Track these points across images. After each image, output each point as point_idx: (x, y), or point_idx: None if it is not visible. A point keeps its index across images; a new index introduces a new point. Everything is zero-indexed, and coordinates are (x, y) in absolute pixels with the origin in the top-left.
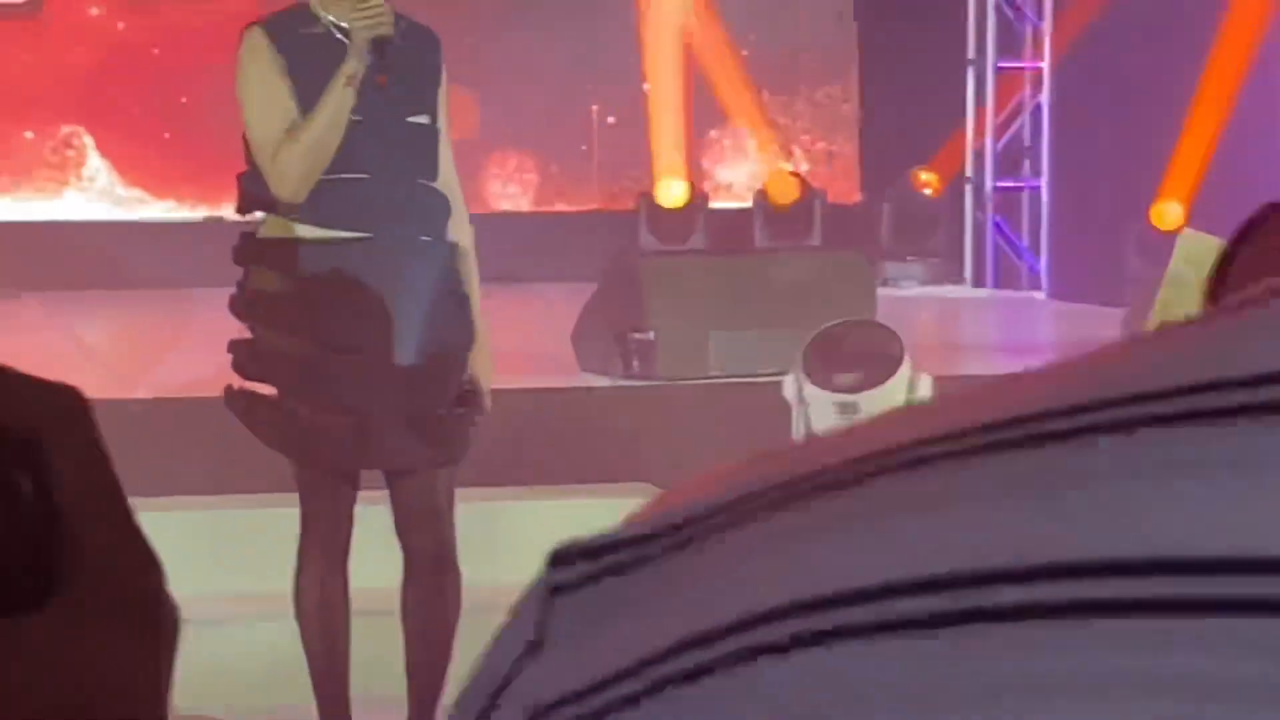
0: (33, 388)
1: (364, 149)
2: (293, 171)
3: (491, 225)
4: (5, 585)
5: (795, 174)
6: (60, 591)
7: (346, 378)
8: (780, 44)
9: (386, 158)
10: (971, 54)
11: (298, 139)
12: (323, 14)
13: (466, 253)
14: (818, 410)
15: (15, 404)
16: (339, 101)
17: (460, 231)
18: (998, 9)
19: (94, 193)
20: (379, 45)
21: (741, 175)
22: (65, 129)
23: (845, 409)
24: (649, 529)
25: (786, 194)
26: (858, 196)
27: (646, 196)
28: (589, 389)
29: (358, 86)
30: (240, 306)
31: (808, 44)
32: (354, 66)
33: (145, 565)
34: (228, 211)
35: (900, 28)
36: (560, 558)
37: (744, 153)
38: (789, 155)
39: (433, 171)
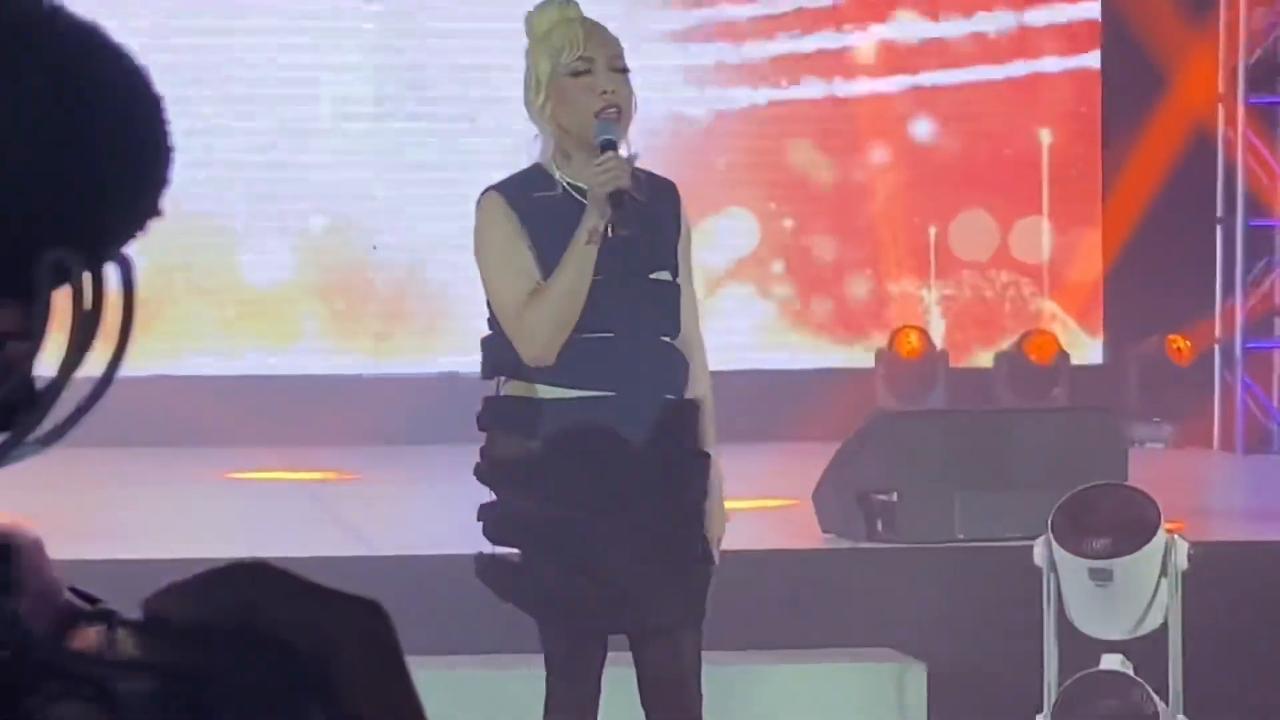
0: (325, 601)
1: (607, 307)
2: (540, 333)
3: (725, 383)
4: None
5: (1048, 333)
6: None
7: (594, 538)
8: (1024, 198)
9: (630, 315)
10: (1220, 212)
11: (543, 300)
12: (557, 174)
13: (707, 408)
14: (1069, 577)
15: (304, 619)
16: (581, 259)
17: (700, 387)
18: (1247, 166)
19: (325, 346)
20: (618, 199)
21: (984, 331)
22: (288, 284)
23: (1098, 576)
24: None
25: (1043, 353)
26: (1101, 356)
27: (884, 351)
28: (831, 551)
29: (599, 242)
30: (485, 473)
31: (1054, 198)
32: (594, 221)
33: None
34: (462, 367)
35: (1147, 185)
36: None
37: (985, 306)
38: (1035, 315)
39: (675, 328)
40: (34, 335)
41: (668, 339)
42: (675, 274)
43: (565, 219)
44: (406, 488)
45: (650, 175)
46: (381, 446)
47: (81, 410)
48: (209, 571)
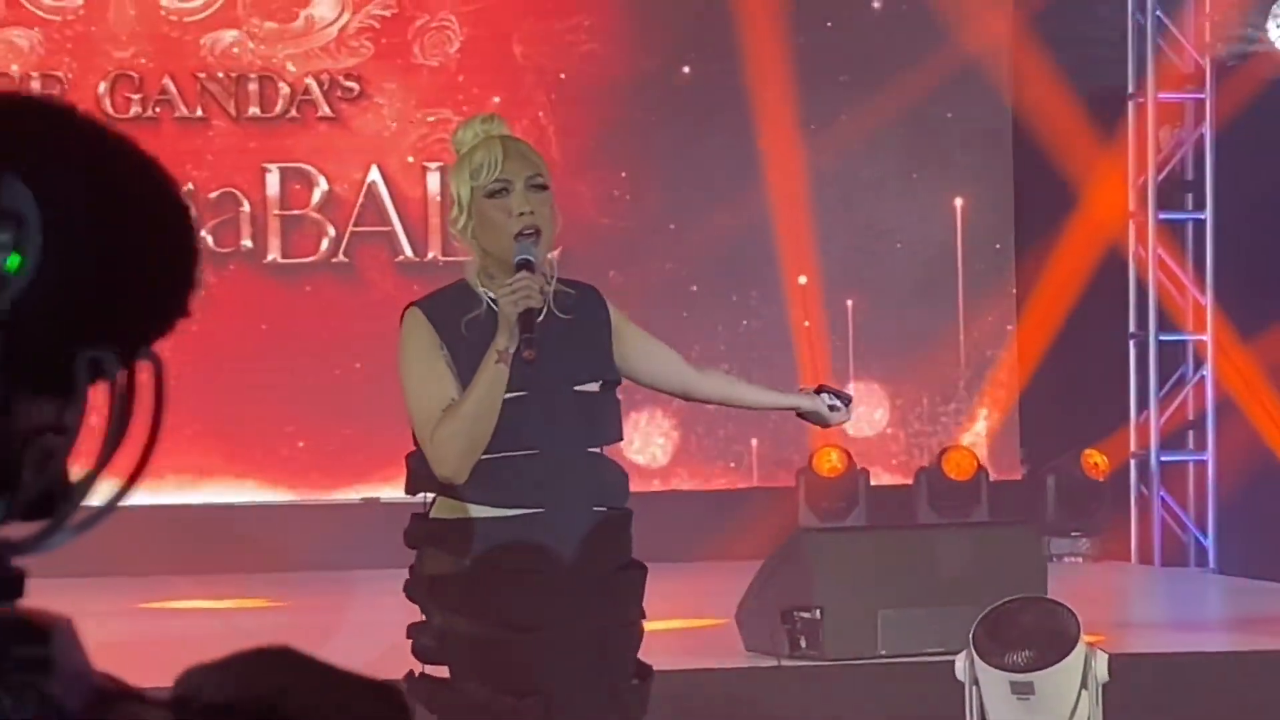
0: (350, 688)
1: (532, 424)
2: (449, 451)
3: (651, 504)
4: None
5: (967, 449)
6: None
7: (528, 656)
8: (940, 316)
9: (555, 431)
10: (1133, 327)
11: (453, 419)
12: (481, 291)
13: (738, 382)
14: (991, 691)
15: (330, 704)
16: (490, 379)
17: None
18: (1158, 282)
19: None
20: (526, 320)
21: (906, 449)
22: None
23: (1020, 689)
24: None
25: (961, 470)
26: (1020, 471)
27: (806, 470)
28: (753, 669)
29: (509, 362)
30: (415, 590)
31: (969, 316)
32: (503, 343)
33: None
34: (385, 493)
35: (1060, 301)
36: None
37: (906, 424)
38: (956, 432)
39: (606, 437)
40: (70, 429)
41: (596, 450)
42: (608, 382)
43: (488, 336)
44: (326, 614)
45: (574, 286)
46: (302, 573)
47: (116, 499)
48: (238, 654)
